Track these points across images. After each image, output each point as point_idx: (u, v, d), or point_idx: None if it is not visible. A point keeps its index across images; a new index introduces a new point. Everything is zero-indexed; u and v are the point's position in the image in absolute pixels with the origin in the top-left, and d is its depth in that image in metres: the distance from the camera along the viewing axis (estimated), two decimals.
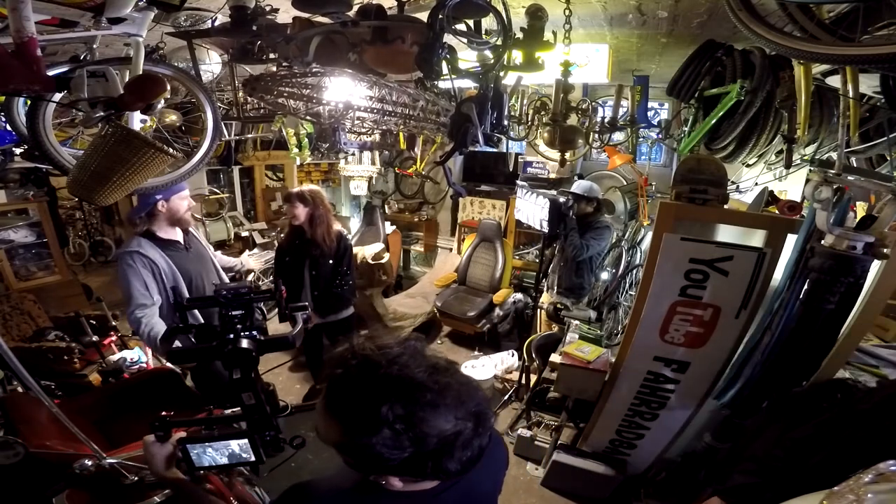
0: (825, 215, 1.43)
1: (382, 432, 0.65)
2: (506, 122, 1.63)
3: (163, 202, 2.13)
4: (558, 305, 3.12)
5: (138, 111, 1.49)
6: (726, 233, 2.02)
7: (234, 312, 1.01)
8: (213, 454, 1.10)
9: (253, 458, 1.12)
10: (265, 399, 1.07)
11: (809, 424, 1.44)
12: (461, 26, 1.47)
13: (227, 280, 2.51)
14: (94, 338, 2.93)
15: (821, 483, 1.03)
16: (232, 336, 1.01)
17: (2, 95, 1.86)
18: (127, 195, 1.59)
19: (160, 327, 2.02)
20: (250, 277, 4.26)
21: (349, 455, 0.72)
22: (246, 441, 1.10)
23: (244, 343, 1.00)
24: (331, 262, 2.80)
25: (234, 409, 1.16)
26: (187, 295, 2.15)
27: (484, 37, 1.49)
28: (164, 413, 1.11)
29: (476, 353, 4.04)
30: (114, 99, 1.35)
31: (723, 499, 1.44)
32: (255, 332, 1.05)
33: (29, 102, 1.56)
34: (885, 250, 1.39)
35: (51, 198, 4.25)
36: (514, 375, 3.51)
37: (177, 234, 2.26)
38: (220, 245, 4.44)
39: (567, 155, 2.70)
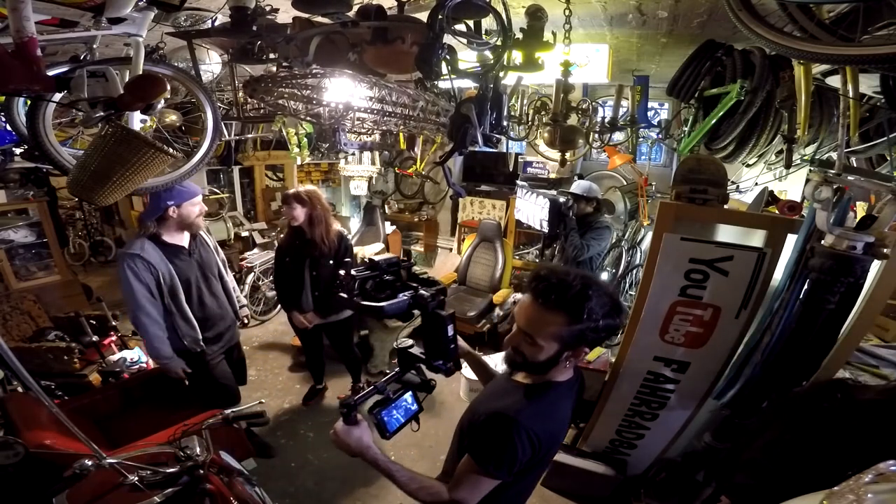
0: (825, 215, 1.43)
1: (592, 302, 1.03)
2: (505, 123, 1.62)
3: (174, 208, 2.13)
4: None
5: (138, 111, 1.49)
6: (726, 233, 2.02)
7: (388, 277, 1.23)
8: (396, 415, 1.14)
9: (418, 408, 1.19)
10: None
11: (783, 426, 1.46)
12: (461, 27, 1.47)
13: (231, 284, 2.57)
14: (94, 338, 2.93)
15: (816, 479, 1.10)
16: (412, 292, 1.19)
17: (2, 95, 1.86)
18: (128, 195, 1.59)
19: (164, 346, 2.15)
20: (251, 277, 4.28)
21: (571, 333, 1.05)
22: (411, 392, 1.19)
23: (424, 292, 1.20)
24: (331, 262, 2.79)
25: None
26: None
27: (484, 37, 1.49)
28: (344, 395, 1.13)
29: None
30: (114, 99, 1.36)
31: (728, 497, 1.54)
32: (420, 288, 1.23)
33: (29, 102, 1.56)
34: (885, 250, 1.39)
35: (51, 198, 4.26)
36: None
37: (183, 240, 2.26)
38: (219, 245, 4.43)
39: (567, 155, 2.70)
